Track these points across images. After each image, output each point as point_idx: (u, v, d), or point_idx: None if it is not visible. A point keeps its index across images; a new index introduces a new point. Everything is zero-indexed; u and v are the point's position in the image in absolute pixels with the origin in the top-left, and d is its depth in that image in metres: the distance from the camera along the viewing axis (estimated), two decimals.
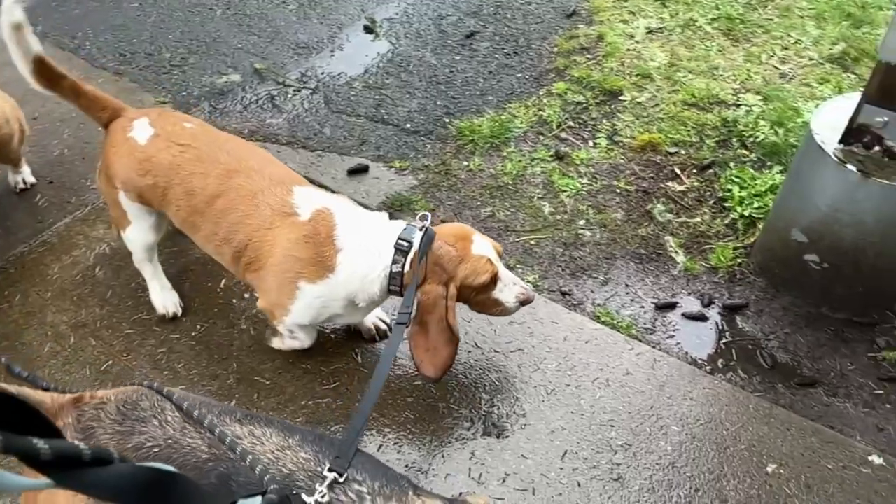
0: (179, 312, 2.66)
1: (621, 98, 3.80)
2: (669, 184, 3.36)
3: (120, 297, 2.74)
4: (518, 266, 2.97)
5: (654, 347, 2.67)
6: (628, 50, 4.12)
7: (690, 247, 3.09)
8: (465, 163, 3.46)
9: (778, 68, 3.98)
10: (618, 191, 3.33)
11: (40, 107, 3.48)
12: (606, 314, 2.78)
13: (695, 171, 3.41)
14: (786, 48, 4.13)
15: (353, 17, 4.46)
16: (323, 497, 1.33)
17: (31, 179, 3.17)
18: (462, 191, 3.32)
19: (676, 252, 3.06)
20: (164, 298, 2.65)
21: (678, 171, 3.41)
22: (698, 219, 3.20)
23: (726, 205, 3.22)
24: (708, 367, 2.64)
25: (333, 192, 3.11)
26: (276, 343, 2.52)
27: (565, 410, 2.44)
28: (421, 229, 2.14)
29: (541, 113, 3.73)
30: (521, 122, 3.67)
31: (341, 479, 1.37)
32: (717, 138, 3.54)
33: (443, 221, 3.14)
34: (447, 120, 3.70)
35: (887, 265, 2.61)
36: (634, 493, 2.23)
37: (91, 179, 3.18)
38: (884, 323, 2.76)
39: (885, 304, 2.80)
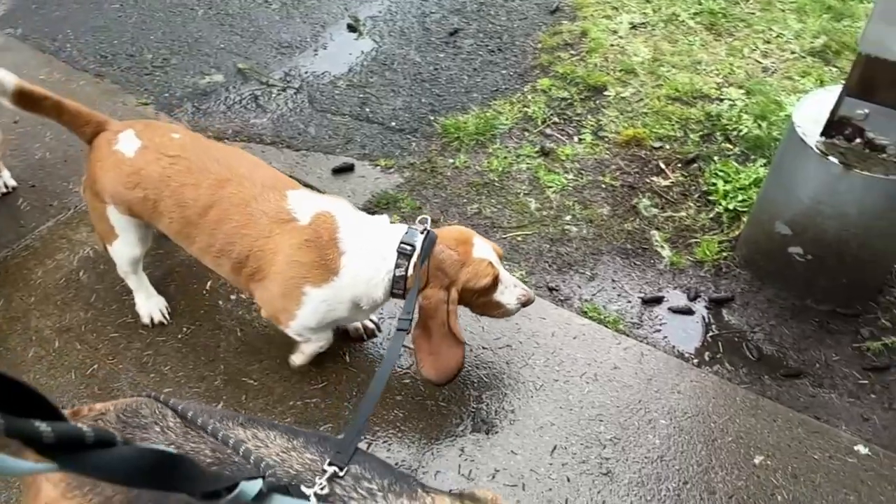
0: (167, 320, 2.64)
1: (605, 93, 3.81)
2: (654, 178, 3.37)
3: (104, 300, 2.72)
4: (505, 262, 2.96)
5: (641, 341, 2.68)
6: (612, 45, 4.13)
7: (676, 241, 3.10)
8: (451, 160, 3.46)
9: (760, 62, 4.01)
10: (603, 186, 3.34)
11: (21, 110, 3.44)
12: (594, 309, 2.79)
13: (679, 165, 3.42)
14: (768, 42, 4.15)
15: (337, 15, 4.44)
16: (322, 489, 1.32)
17: (11, 183, 3.14)
18: (448, 188, 3.32)
19: (662, 246, 3.07)
20: (150, 306, 2.63)
21: (663, 166, 3.43)
22: (683, 213, 3.21)
23: (711, 199, 3.24)
24: (695, 360, 2.66)
25: (320, 191, 3.10)
26: (299, 359, 2.46)
27: (554, 406, 2.45)
28: (422, 232, 2.13)
29: (526, 109, 3.73)
30: (507, 119, 3.67)
31: (341, 473, 1.37)
32: (700, 132, 3.56)
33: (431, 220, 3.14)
34: (432, 118, 3.70)
35: (870, 257, 2.63)
36: (624, 486, 2.24)
37: (73, 182, 3.15)
38: (867, 314, 2.79)
39: (869, 295, 2.83)
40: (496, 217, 3.19)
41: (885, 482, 2.26)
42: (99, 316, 2.67)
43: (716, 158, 3.39)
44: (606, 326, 2.72)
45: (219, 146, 2.37)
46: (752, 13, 4.38)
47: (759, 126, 3.52)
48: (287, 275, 2.11)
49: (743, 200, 3.16)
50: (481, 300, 2.24)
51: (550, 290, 2.88)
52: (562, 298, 2.85)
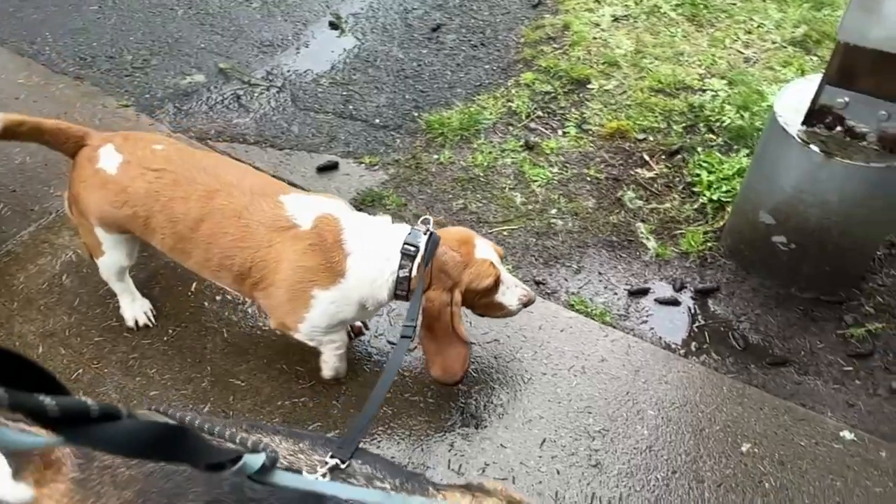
0: (152, 323, 2.62)
1: (589, 86, 3.82)
2: (639, 170, 3.38)
3: (88, 304, 2.70)
4: None
5: (628, 333, 2.69)
6: (594, 38, 4.13)
7: (661, 232, 3.11)
8: (436, 156, 3.45)
9: (742, 52, 4.02)
10: (588, 179, 3.35)
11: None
12: (580, 302, 2.80)
13: (663, 157, 3.44)
14: (749, 32, 4.17)
15: (318, 13, 4.42)
16: (324, 478, 1.33)
17: None
18: (433, 184, 3.31)
19: (647, 238, 3.09)
20: (135, 310, 2.61)
21: (647, 158, 3.44)
22: (668, 204, 3.22)
23: (695, 190, 3.25)
24: (682, 351, 2.67)
25: (305, 190, 3.09)
26: (328, 370, 2.42)
27: (542, 399, 2.45)
28: (425, 233, 2.12)
29: (510, 104, 3.73)
30: (491, 114, 3.67)
31: (343, 465, 1.38)
32: (684, 124, 3.57)
33: (415, 215, 3.14)
34: (416, 114, 3.69)
35: (851, 244, 2.65)
36: (613, 478, 2.25)
37: (54, 187, 3.12)
38: (850, 300, 2.81)
39: (852, 282, 2.85)
40: (482, 212, 3.19)
41: (870, 467, 2.28)
42: (83, 320, 2.65)
43: (699, 149, 3.41)
44: (593, 319, 2.73)
45: (203, 154, 2.32)
46: (734, 4, 4.40)
47: (742, 116, 3.54)
48: (294, 279, 2.09)
49: (727, 191, 3.18)
50: (483, 301, 2.23)
51: (537, 283, 2.88)
52: (548, 292, 2.85)
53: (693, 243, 3.03)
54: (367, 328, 2.64)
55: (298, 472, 1.33)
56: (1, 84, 3.74)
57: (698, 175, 3.28)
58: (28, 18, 4.29)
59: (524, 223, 3.14)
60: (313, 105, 3.74)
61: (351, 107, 3.74)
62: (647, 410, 2.43)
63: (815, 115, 2.50)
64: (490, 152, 3.46)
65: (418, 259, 2.09)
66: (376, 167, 3.40)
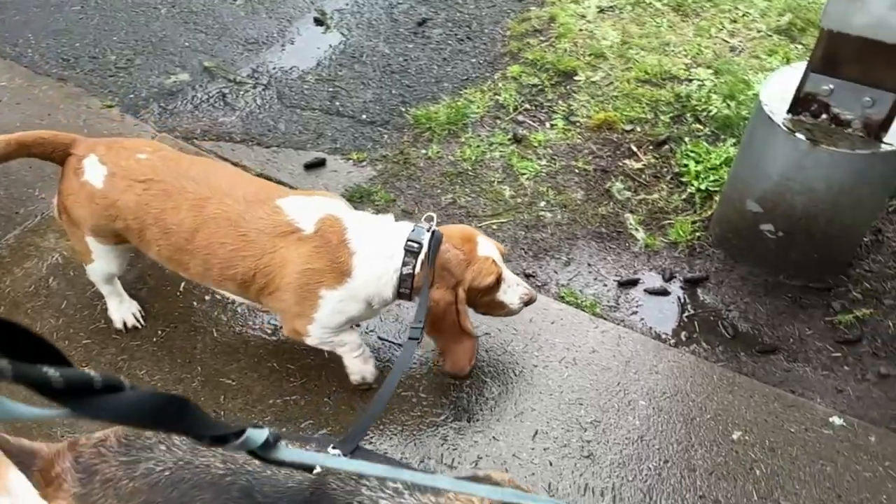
0: (141, 324, 2.61)
1: (576, 78, 3.82)
2: (627, 161, 3.39)
3: (76, 307, 2.68)
4: None
5: (618, 324, 2.70)
6: (580, 30, 4.13)
7: (650, 223, 3.12)
8: (424, 151, 3.44)
9: (727, 41, 4.03)
10: (576, 171, 3.35)
11: None
12: (570, 294, 2.80)
13: (651, 147, 3.44)
14: (734, 21, 4.18)
15: (303, 9, 4.40)
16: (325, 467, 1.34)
17: None
18: (422, 179, 3.31)
19: (636, 229, 3.09)
20: (123, 311, 2.59)
21: (635, 149, 3.44)
22: (656, 195, 3.23)
23: (683, 180, 3.26)
24: (672, 341, 2.68)
25: (292, 187, 3.08)
26: (355, 376, 2.40)
27: (534, 391, 2.46)
28: (428, 230, 2.11)
29: (497, 97, 3.73)
30: (478, 108, 3.66)
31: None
32: (671, 114, 3.58)
33: (404, 211, 3.13)
34: (403, 109, 3.68)
35: (838, 231, 2.67)
36: (606, 468, 2.26)
37: (39, 189, 3.10)
38: (838, 287, 2.83)
39: (839, 269, 2.87)
40: (471, 206, 3.18)
41: (860, 452, 2.30)
42: (71, 323, 2.63)
43: (686, 139, 3.41)
44: (583, 310, 2.73)
45: (190, 161, 2.26)
46: None
47: (728, 106, 3.55)
48: (301, 282, 2.07)
49: (714, 180, 3.19)
50: (485, 299, 2.22)
51: (527, 276, 2.88)
52: (539, 284, 2.85)
53: (681, 233, 3.03)
54: (358, 325, 2.64)
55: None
56: None
57: (686, 165, 3.28)
58: (10, 20, 4.25)
59: (513, 216, 3.14)
60: (300, 102, 3.73)
61: (337, 103, 3.72)
62: (638, 401, 2.44)
63: (801, 102, 2.51)
64: (478, 146, 3.45)
65: (422, 256, 2.08)
66: (364, 163, 3.39)
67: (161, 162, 2.18)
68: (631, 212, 3.17)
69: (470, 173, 3.33)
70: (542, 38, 4.10)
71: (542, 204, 3.20)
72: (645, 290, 2.85)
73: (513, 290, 2.25)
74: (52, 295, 2.72)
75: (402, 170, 3.35)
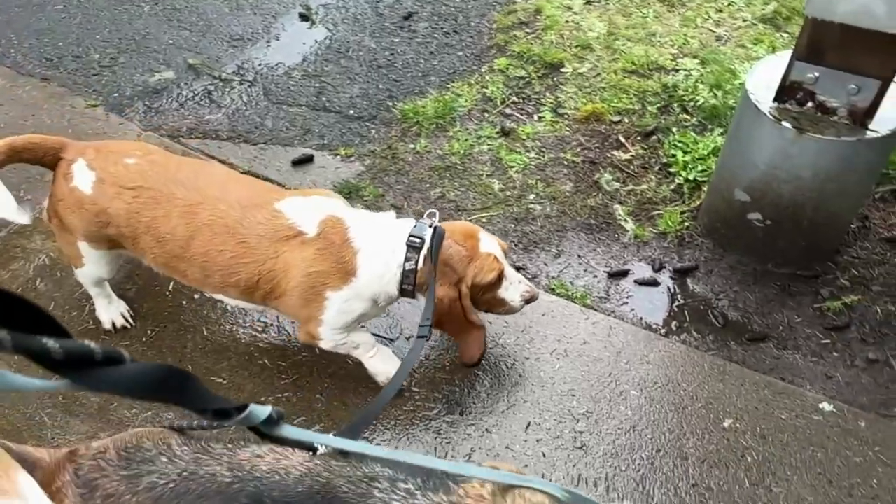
0: (129, 324, 2.59)
1: (563, 70, 3.81)
2: (615, 153, 3.39)
3: (63, 308, 2.66)
4: None
5: (609, 315, 2.71)
6: (567, 22, 4.13)
7: (639, 214, 3.13)
8: (412, 145, 3.44)
9: (713, 31, 4.04)
10: (565, 163, 3.35)
11: None
12: (561, 286, 2.81)
13: (639, 138, 3.44)
14: (720, 10, 4.18)
15: (288, 5, 4.37)
16: (326, 448, 1.35)
17: None
18: (410, 174, 3.30)
19: (625, 220, 3.10)
20: (112, 312, 2.57)
21: (623, 140, 3.45)
22: (645, 186, 3.24)
23: (671, 170, 3.27)
24: (662, 331, 2.69)
25: (280, 185, 3.07)
26: (380, 377, 2.39)
27: (526, 383, 2.46)
28: (430, 226, 2.10)
29: (484, 90, 3.72)
30: (465, 101, 3.66)
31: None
32: (658, 104, 3.58)
33: (393, 206, 3.13)
34: (390, 103, 3.67)
35: (825, 219, 2.68)
36: (598, 459, 2.27)
37: (24, 190, 3.07)
38: (826, 274, 2.84)
39: (827, 257, 2.88)
40: (460, 200, 3.18)
41: (850, 437, 2.32)
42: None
43: (674, 129, 3.42)
44: (574, 302, 2.74)
45: (178, 164, 2.21)
46: None
47: (715, 95, 3.55)
48: (306, 285, 2.06)
49: (702, 170, 3.20)
50: (486, 296, 2.21)
51: (517, 269, 2.88)
52: (529, 277, 2.85)
53: (670, 223, 3.04)
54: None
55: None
56: None
57: (674, 155, 3.29)
58: None
59: (503, 209, 3.14)
60: (286, 98, 3.71)
61: (324, 99, 3.71)
62: (629, 391, 2.45)
63: (787, 91, 2.52)
64: (466, 139, 3.45)
65: (424, 251, 2.08)
66: (352, 158, 3.38)
67: (150, 167, 2.14)
68: (620, 203, 3.17)
69: (458, 167, 3.33)
70: (528, 30, 4.10)
71: (532, 196, 3.20)
72: (635, 281, 2.86)
73: (514, 288, 2.23)
74: (39, 297, 2.69)
75: (391, 165, 3.34)
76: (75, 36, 4.09)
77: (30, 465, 1.34)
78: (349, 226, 2.09)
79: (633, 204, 3.16)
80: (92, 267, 2.35)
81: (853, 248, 2.94)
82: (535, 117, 3.59)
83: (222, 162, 3.26)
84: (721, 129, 3.36)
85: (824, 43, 2.36)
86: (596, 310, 2.73)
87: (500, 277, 2.19)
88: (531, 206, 3.16)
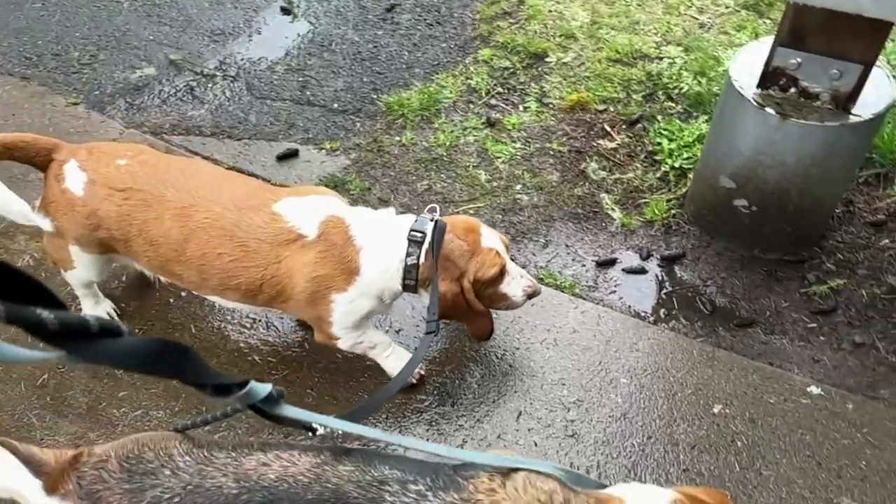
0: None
1: (547, 60, 3.81)
2: (601, 142, 3.39)
3: None
4: None
5: (597, 304, 2.71)
6: (550, 11, 4.12)
7: (625, 202, 3.13)
8: (397, 138, 3.42)
9: (696, 18, 4.04)
10: (551, 153, 3.35)
11: None
12: (549, 275, 2.81)
13: (624, 126, 3.45)
14: None
15: None
16: (326, 429, 1.36)
17: None
18: (396, 166, 3.29)
19: (612, 209, 3.10)
20: (98, 312, 2.54)
21: (608, 129, 3.45)
22: (631, 174, 3.24)
23: (657, 158, 3.27)
24: (651, 318, 2.70)
25: (266, 180, 3.05)
26: (394, 371, 2.37)
27: (516, 373, 2.46)
28: (431, 220, 2.09)
29: (469, 81, 3.71)
30: (450, 92, 3.64)
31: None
32: (643, 93, 3.59)
33: (379, 199, 3.12)
34: (375, 96, 3.65)
35: (810, 204, 2.70)
36: (590, 447, 2.28)
37: None
38: (812, 259, 2.87)
39: (812, 241, 2.90)
40: (447, 192, 3.17)
41: (838, 419, 2.34)
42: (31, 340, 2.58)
43: (659, 117, 3.43)
44: (563, 291, 2.74)
45: (168, 164, 2.15)
46: None
47: (699, 82, 3.56)
48: (311, 290, 2.05)
49: (688, 158, 3.21)
50: (488, 291, 2.20)
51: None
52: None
53: (657, 211, 3.05)
54: None
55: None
56: None
57: (659, 143, 3.30)
58: None
59: (490, 200, 3.14)
60: (269, 93, 3.68)
61: (308, 93, 3.68)
62: (619, 379, 2.46)
63: (770, 77, 2.52)
64: (452, 131, 3.44)
65: (425, 245, 2.07)
66: (337, 152, 3.36)
67: (140, 168, 2.10)
68: (606, 192, 3.18)
69: (445, 159, 3.32)
70: (511, 20, 4.09)
71: (518, 187, 3.20)
72: (623, 270, 2.87)
73: (516, 283, 2.22)
74: None
75: (377, 158, 3.33)
76: (54, 34, 4.03)
77: (35, 468, 1.32)
78: (350, 224, 2.07)
79: (619, 192, 3.17)
80: (82, 270, 2.32)
81: (838, 232, 2.96)
82: (521, 108, 3.59)
83: (206, 158, 3.24)
84: (706, 117, 3.37)
85: (806, 28, 2.37)
86: (585, 299, 2.73)
87: (502, 272, 2.18)
88: (518, 196, 3.15)
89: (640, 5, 4.15)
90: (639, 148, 3.35)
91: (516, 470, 1.40)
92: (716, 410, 2.37)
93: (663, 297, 2.78)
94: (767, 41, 2.56)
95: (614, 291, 2.79)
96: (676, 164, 3.20)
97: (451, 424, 2.32)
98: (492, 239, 2.17)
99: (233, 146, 3.37)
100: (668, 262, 2.90)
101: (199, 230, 2.02)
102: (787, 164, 2.56)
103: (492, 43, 3.93)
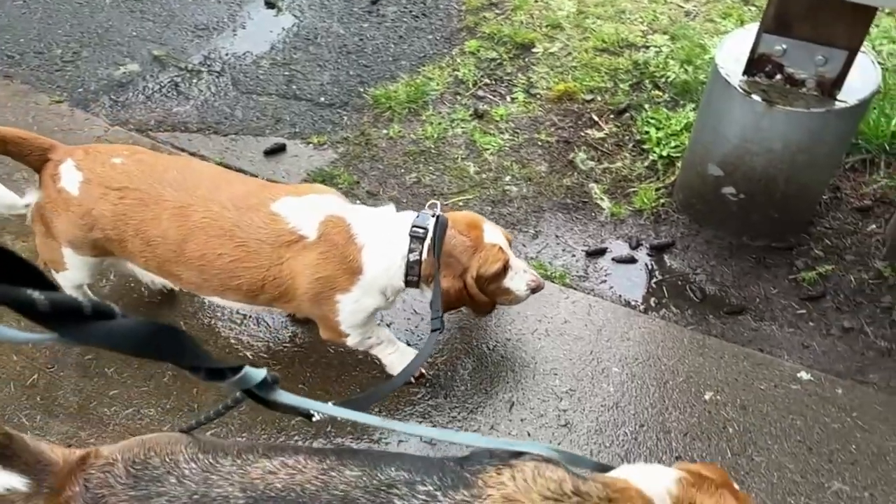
0: None
1: (534, 50, 3.80)
2: (589, 131, 3.39)
3: None
4: None
5: (588, 294, 2.72)
6: (536, 1, 4.11)
7: (614, 192, 3.14)
8: (385, 131, 3.41)
9: (682, 6, 4.04)
10: (539, 143, 3.35)
11: None
12: (539, 266, 2.81)
13: (612, 116, 3.45)
14: None
15: None
16: (323, 415, 1.36)
17: None
18: (384, 160, 3.28)
19: (601, 198, 3.11)
20: None
21: (596, 118, 3.45)
22: (619, 163, 3.25)
23: (645, 147, 3.28)
24: (642, 307, 2.71)
25: (254, 176, 3.03)
26: (395, 370, 2.37)
27: (508, 364, 2.47)
28: (433, 216, 2.08)
29: (456, 73, 3.70)
30: (437, 84, 3.63)
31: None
32: (630, 82, 3.59)
33: (368, 192, 3.11)
34: (361, 89, 3.64)
35: (797, 190, 2.71)
36: (583, 436, 2.28)
37: None
38: (800, 245, 2.88)
39: (800, 228, 2.92)
40: (436, 184, 3.17)
41: (827, 404, 2.36)
42: (33, 325, 2.56)
43: (646, 106, 3.43)
44: (553, 282, 2.74)
45: (164, 163, 2.13)
46: None
47: (686, 71, 3.56)
48: (314, 291, 2.03)
49: (676, 146, 3.21)
50: (491, 287, 2.19)
51: None
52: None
53: (646, 200, 3.06)
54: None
55: None
56: None
57: (647, 132, 3.30)
58: None
59: (479, 192, 3.14)
60: (255, 88, 3.66)
61: (294, 87, 3.66)
62: (611, 368, 2.47)
63: (756, 64, 2.53)
64: (440, 123, 3.43)
65: (428, 241, 2.06)
66: (325, 146, 3.34)
67: (136, 167, 2.07)
68: (595, 181, 3.18)
69: (433, 151, 3.31)
70: (497, 11, 4.07)
71: (507, 178, 3.19)
72: (613, 259, 2.87)
73: (520, 277, 2.22)
74: None
75: (364, 151, 3.32)
76: (36, 31, 3.99)
77: (42, 466, 1.31)
78: (350, 223, 2.05)
79: (608, 182, 3.17)
80: (74, 272, 2.28)
81: (826, 218, 2.98)
82: (508, 99, 3.58)
83: (193, 155, 3.22)
84: (693, 105, 3.38)
85: (791, 14, 2.37)
86: (575, 289, 2.74)
87: (506, 268, 2.17)
88: (507, 187, 3.15)
89: None
90: (627, 137, 3.35)
91: (519, 456, 1.39)
92: (707, 397, 2.38)
93: (653, 285, 2.79)
94: (753, 28, 2.56)
95: (605, 281, 2.80)
96: (664, 153, 3.21)
97: (443, 416, 2.32)
98: (494, 234, 2.17)
99: (219, 142, 3.35)
100: (657, 251, 2.91)
101: (197, 230, 2.00)
102: (774, 151, 2.56)
103: (478, 34, 3.92)
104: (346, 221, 2.05)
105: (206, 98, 3.59)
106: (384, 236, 2.06)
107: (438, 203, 2.16)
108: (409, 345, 2.46)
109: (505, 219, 3.01)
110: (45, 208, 2.12)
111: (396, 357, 2.36)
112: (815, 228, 2.94)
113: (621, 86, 3.57)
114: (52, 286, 0.80)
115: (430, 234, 2.06)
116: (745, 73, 2.55)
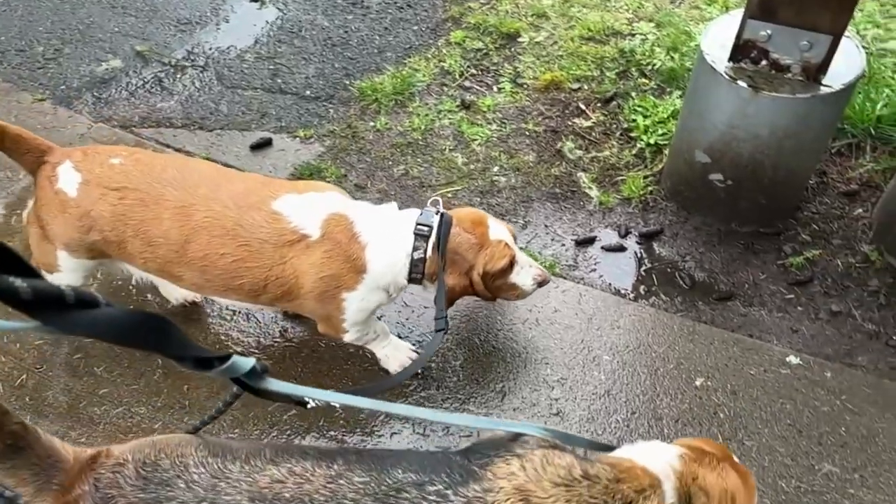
0: None
1: (520, 40, 3.79)
2: (576, 120, 3.39)
3: None
4: None
5: (578, 283, 2.72)
6: None
7: (603, 180, 3.14)
8: (372, 123, 3.39)
9: None
10: (527, 133, 3.35)
11: None
12: (529, 256, 2.81)
13: (599, 104, 3.45)
14: None
15: None
16: (318, 403, 1.38)
17: None
18: (372, 152, 3.26)
19: (590, 187, 3.11)
20: None
21: (583, 107, 3.45)
22: (607, 152, 3.25)
23: (632, 135, 3.28)
24: (631, 295, 2.71)
25: (241, 170, 3.01)
26: (394, 366, 2.37)
27: (499, 354, 2.47)
28: (436, 213, 2.07)
29: (442, 64, 3.69)
30: (424, 76, 3.62)
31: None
32: (616, 70, 3.59)
33: (356, 185, 3.09)
34: (347, 82, 3.62)
35: (784, 176, 2.72)
36: (575, 424, 2.29)
37: None
38: (788, 231, 2.89)
39: (787, 213, 2.93)
40: (424, 176, 3.16)
41: (817, 387, 2.38)
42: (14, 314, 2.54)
43: (633, 94, 3.43)
44: None
45: (163, 163, 2.08)
46: None
47: (672, 58, 3.57)
48: (319, 290, 2.02)
49: (663, 134, 3.22)
50: (497, 283, 2.19)
51: None
52: None
53: (634, 188, 3.06)
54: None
55: None
56: None
57: (634, 120, 3.30)
58: None
59: (467, 183, 3.13)
60: (240, 82, 3.63)
61: (279, 80, 3.64)
62: (602, 356, 2.48)
63: (741, 50, 2.53)
64: (426, 115, 3.42)
65: (432, 239, 2.05)
66: (311, 140, 3.32)
67: (134, 167, 2.04)
68: (583, 170, 3.18)
69: (420, 143, 3.30)
70: (482, 1, 4.06)
71: (496, 169, 3.19)
72: (602, 248, 2.88)
73: (526, 272, 2.22)
74: None
75: (351, 144, 3.30)
76: (17, 28, 3.94)
77: (53, 462, 1.30)
78: (353, 220, 2.03)
79: (596, 171, 3.17)
80: (68, 275, 2.25)
81: (812, 203, 2.99)
82: (495, 89, 3.57)
83: (178, 150, 3.19)
84: (679, 92, 3.38)
85: (775, 0, 2.37)
86: (565, 278, 2.74)
87: (512, 264, 2.16)
88: (495, 178, 3.15)
89: None
90: (614, 125, 3.35)
91: (524, 439, 1.39)
92: (698, 384, 2.40)
93: (643, 273, 2.80)
94: (738, 14, 2.56)
95: (594, 270, 2.80)
96: (652, 141, 3.21)
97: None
98: (500, 231, 2.16)
99: (205, 137, 3.33)
100: (646, 239, 2.91)
101: (200, 230, 1.97)
102: (761, 137, 2.57)
103: (464, 24, 3.90)
104: (348, 219, 2.03)
105: (190, 93, 3.56)
106: (388, 234, 2.05)
107: (440, 200, 2.15)
108: (400, 337, 2.46)
109: (494, 209, 3.01)
110: (41, 210, 2.09)
111: (390, 350, 2.36)
112: (802, 213, 2.95)
113: (608, 74, 3.57)
114: (35, 274, 0.79)
115: (434, 232, 2.05)
116: (730, 59, 2.55)
